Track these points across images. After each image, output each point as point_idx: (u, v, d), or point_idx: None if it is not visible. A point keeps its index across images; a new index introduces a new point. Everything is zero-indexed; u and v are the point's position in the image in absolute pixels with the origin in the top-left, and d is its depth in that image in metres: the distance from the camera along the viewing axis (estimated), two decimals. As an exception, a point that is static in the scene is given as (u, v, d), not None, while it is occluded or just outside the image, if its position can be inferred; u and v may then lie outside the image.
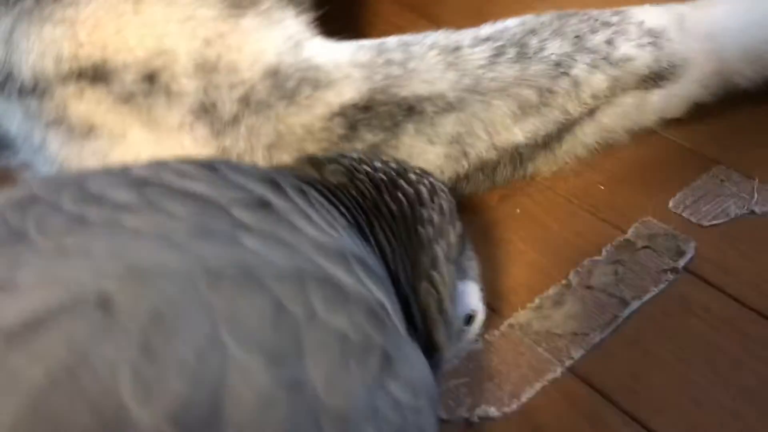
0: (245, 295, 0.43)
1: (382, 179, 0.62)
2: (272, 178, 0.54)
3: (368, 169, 0.63)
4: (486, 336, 0.85)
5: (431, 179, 0.67)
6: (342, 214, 0.56)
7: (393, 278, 0.57)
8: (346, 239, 0.52)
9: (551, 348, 0.84)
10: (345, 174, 0.62)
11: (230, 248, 0.44)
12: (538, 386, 0.81)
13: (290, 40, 0.92)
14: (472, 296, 0.70)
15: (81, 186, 0.48)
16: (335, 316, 0.45)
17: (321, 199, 0.56)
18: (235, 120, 0.87)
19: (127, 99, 0.88)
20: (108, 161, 0.89)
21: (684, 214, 1.00)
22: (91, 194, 0.48)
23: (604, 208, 1.02)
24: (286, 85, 0.89)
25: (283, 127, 0.88)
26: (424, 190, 0.64)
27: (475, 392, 0.79)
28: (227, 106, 0.88)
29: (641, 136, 1.12)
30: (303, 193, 0.55)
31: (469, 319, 0.70)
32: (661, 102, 1.10)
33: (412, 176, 0.65)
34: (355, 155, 0.66)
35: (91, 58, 0.87)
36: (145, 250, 0.43)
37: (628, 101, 1.08)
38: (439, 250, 0.61)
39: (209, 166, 0.54)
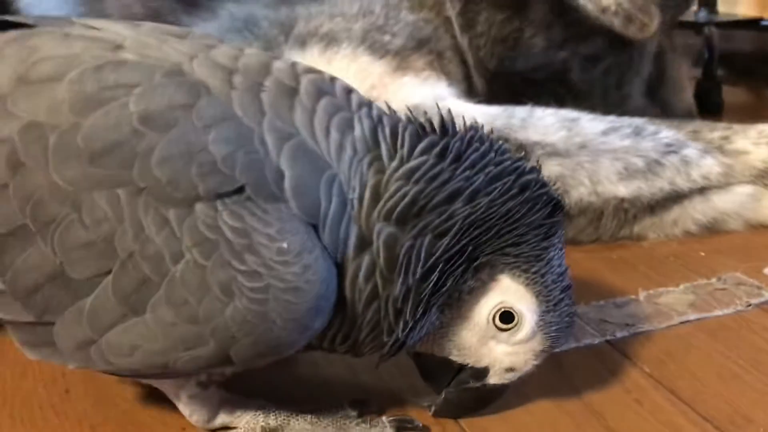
0: (175, 85, 0.64)
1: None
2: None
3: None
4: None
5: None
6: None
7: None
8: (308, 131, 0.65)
9: (599, 328, 0.93)
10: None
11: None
12: (573, 345, 0.89)
13: (435, 94, 1.19)
14: (506, 292, 0.68)
15: None
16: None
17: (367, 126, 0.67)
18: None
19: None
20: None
21: (777, 278, 1.04)
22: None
23: (697, 265, 1.09)
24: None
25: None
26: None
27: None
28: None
29: (761, 228, 1.19)
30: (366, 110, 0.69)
31: (507, 317, 0.69)
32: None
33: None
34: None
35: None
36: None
37: (745, 191, 1.17)
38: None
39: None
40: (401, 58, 1.21)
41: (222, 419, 0.74)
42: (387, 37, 1.21)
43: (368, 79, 1.19)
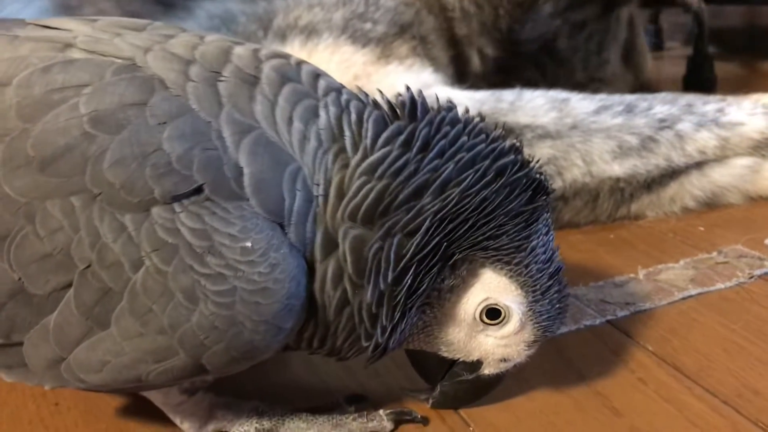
0: (126, 82, 0.61)
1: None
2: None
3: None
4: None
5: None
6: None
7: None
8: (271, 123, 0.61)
9: (599, 309, 0.90)
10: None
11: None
12: (573, 327, 0.87)
13: (420, 82, 1.16)
14: (489, 287, 0.65)
15: None
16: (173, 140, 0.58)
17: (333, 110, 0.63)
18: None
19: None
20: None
21: (779, 248, 1.02)
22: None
23: (697, 240, 1.07)
24: (407, 103, 1.12)
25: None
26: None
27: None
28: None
29: (760, 200, 1.16)
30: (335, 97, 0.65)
31: (493, 312, 0.65)
32: (781, 170, 1.15)
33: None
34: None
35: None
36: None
37: (743, 163, 1.14)
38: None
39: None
40: (384, 45, 1.18)
41: (214, 425, 0.71)
42: (368, 25, 1.19)
43: (351, 69, 1.16)
